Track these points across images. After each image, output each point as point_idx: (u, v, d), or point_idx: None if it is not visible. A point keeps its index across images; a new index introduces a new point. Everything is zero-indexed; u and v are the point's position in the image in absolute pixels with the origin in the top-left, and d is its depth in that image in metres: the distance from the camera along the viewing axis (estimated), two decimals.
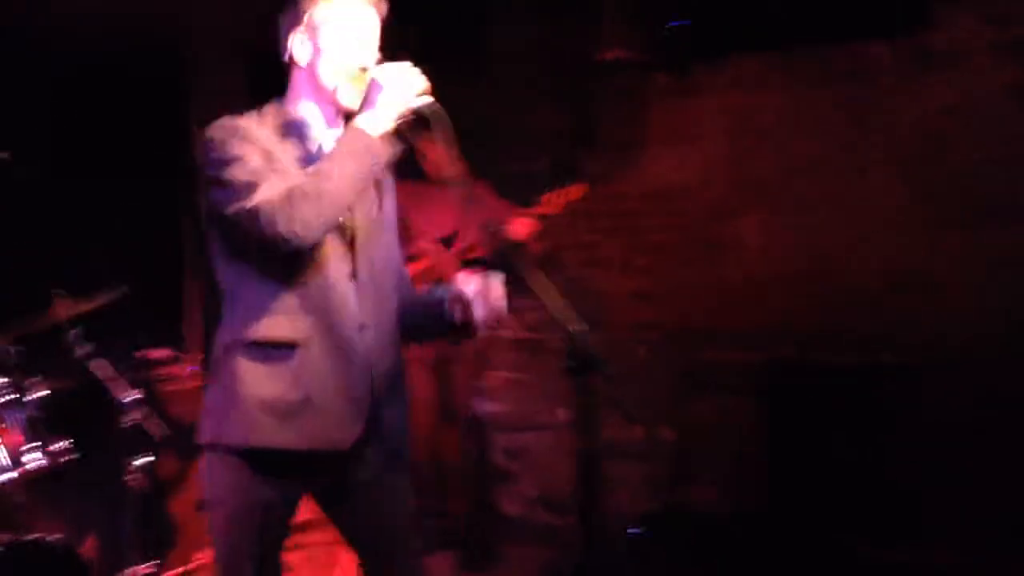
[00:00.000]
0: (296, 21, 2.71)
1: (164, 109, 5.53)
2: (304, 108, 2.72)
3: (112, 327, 4.28)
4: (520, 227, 4.84)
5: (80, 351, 4.12)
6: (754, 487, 4.81)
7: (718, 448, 4.97)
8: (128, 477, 4.10)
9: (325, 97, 2.71)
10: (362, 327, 2.69)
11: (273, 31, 2.77)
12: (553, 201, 4.89)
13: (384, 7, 2.76)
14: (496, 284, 2.72)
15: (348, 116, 2.69)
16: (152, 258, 5.29)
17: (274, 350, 2.59)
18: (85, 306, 4.16)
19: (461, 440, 5.10)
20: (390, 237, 2.86)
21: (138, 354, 4.85)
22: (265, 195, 2.47)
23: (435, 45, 5.18)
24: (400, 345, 2.83)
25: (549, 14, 5.42)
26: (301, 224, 2.46)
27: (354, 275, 2.70)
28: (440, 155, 4.74)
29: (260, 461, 2.59)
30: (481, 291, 2.71)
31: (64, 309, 4.09)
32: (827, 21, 4.69)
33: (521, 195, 5.01)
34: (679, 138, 5.26)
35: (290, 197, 2.46)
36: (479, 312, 2.71)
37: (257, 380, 2.57)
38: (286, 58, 2.74)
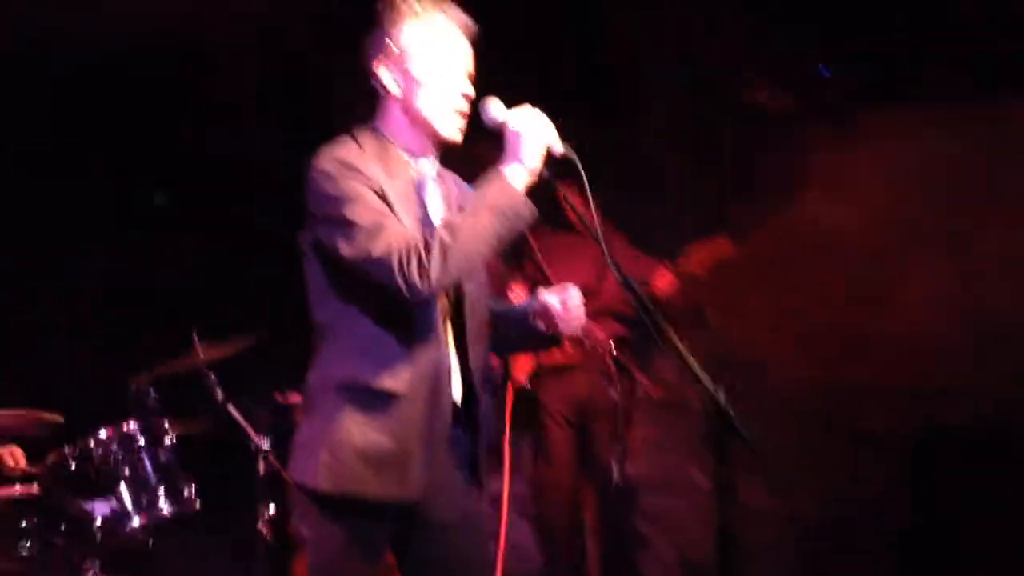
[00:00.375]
0: (382, 47, 2.58)
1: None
2: (401, 140, 2.61)
3: (252, 371, 4.29)
4: (663, 282, 4.70)
5: (218, 395, 4.13)
6: (910, 561, 4.54)
7: (871, 517, 4.70)
8: (260, 525, 4.06)
9: (422, 129, 2.59)
10: (463, 374, 2.61)
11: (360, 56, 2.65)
12: (698, 256, 4.71)
13: (473, 29, 2.62)
14: (574, 294, 2.67)
15: (443, 144, 2.61)
16: (292, 302, 5.29)
17: (375, 398, 2.49)
18: (224, 350, 4.16)
19: (600, 501, 4.93)
20: (483, 273, 2.74)
21: (279, 398, 4.83)
22: (391, 242, 2.37)
23: (581, 85, 5.14)
24: (490, 379, 2.74)
25: (700, 56, 5.25)
26: (430, 279, 2.36)
27: (458, 317, 2.61)
28: (581, 203, 4.74)
29: (350, 508, 2.50)
30: (562, 301, 2.66)
31: (203, 353, 4.10)
32: (990, 72, 4.53)
33: (666, 245, 4.87)
34: (835, 187, 5.02)
35: (423, 249, 2.36)
36: (562, 321, 2.66)
37: (354, 427, 2.48)
38: (375, 88, 2.62)
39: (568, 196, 4.58)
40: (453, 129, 2.57)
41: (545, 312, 2.67)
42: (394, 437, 2.48)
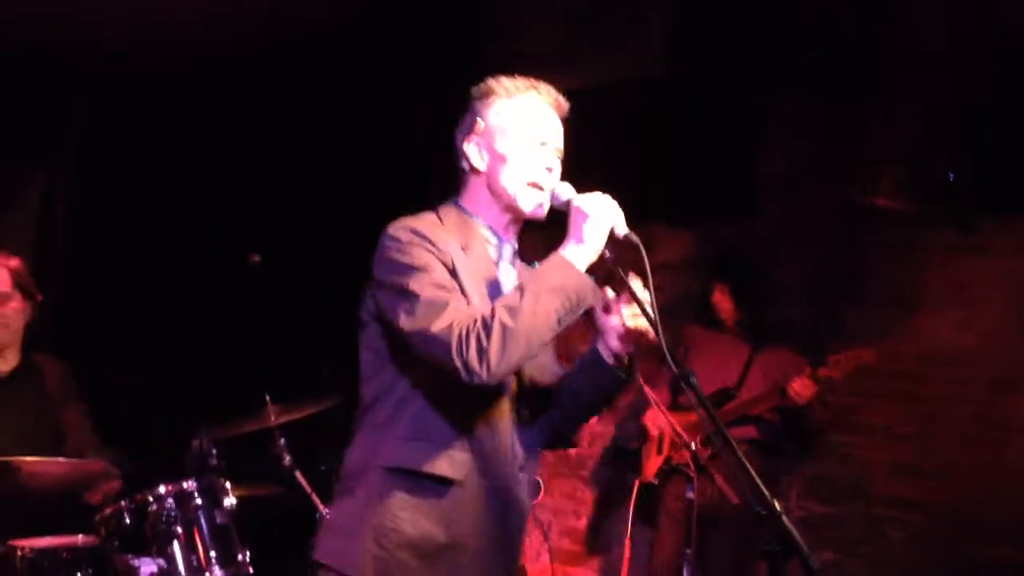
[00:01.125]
0: (471, 126, 2.55)
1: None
2: (482, 216, 2.55)
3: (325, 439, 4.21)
4: (800, 386, 4.52)
5: (286, 459, 4.06)
6: None
7: None
8: None
9: (504, 205, 2.52)
10: (521, 468, 2.47)
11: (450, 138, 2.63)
12: (842, 364, 4.53)
13: (565, 107, 2.58)
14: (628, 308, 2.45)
15: (523, 226, 2.56)
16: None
17: (429, 484, 2.36)
18: (295, 414, 4.09)
19: None
20: (547, 352, 2.62)
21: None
22: (452, 321, 2.26)
23: (695, 179, 4.98)
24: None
25: (820, 154, 5.03)
26: (489, 365, 2.24)
27: (516, 402, 2.48)
28: (728, 302, 4.58)
29: None
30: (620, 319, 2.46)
31: (274, 415, 4.04)
32: None
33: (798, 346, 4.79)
34: (959, 299, 4.78)
35: (483, 331, 2.24)
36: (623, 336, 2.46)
37: (402, 513, 2.35)
38: (463, 165, 2.57)
39: (719, 296, 4.65)
40: (532, 204, 2.49)
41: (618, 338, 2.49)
42: (447, 528, 2.36)
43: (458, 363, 2.23)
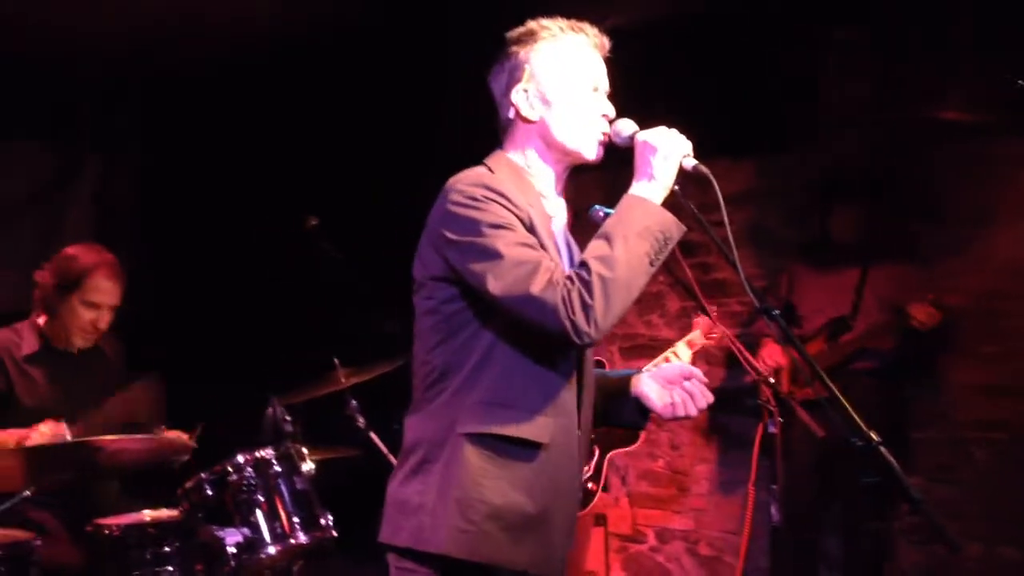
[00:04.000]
0: (516, 73, 2.42)
1: None
2: (535, 168, 2.44)
3: (398, 398, 4.19)
4: (928, 317, 4.45)
5: (360, 421, 4.04)
6: None
7: None
8: None
9: (560, 153, 2.43)
10: (581, 427, 2.39)
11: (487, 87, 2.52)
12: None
13: (607, 45, 2.46)
14: (696, 375, 2.41)
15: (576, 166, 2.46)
16: None
17: (515, 449, 2.26)
18: (365, 375, 4.07)
19: None
20: None
21: None
22: (549, 279, 2.16)
23: (762, 106, 4.85)
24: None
25: (885, 70, 4.85)
26: (597, 320, 2.15)
27: (578, 364, 2.39)
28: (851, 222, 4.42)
29: None
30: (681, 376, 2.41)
31: (345, 378, 4.02)
32: None
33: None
34: None
35: (583, 287, 2.15)
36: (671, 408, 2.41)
37: (487, 482, 2.23)
38: (510, 115, 2.44)
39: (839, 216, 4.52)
40: (591, 149, 2.40)
41: (658, 390, 2.44)
42: (532, 498, 2.26)
43: (566, 324, 2.14)
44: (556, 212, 2.44)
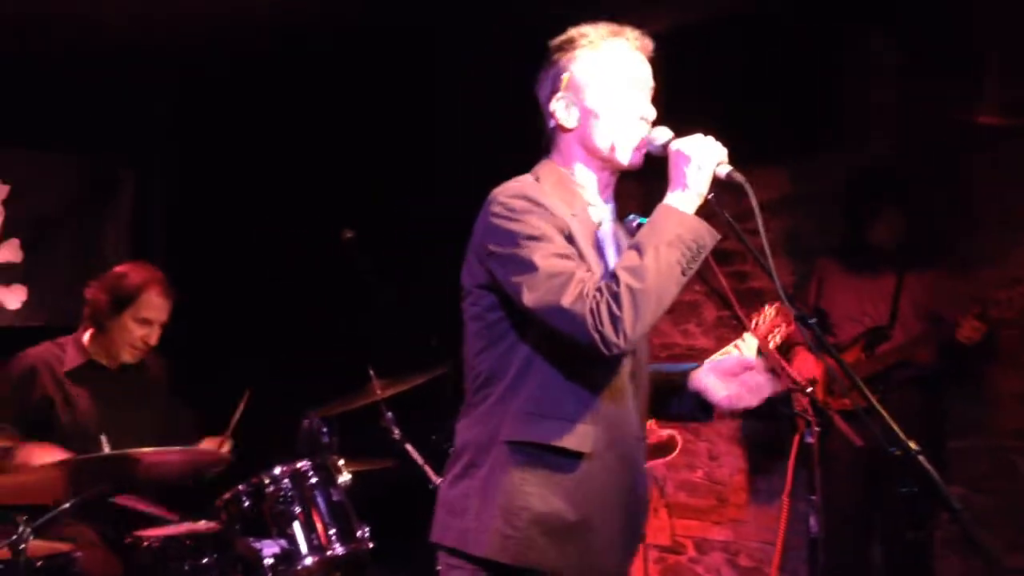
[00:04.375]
0: (556, 82, 2.45)
1: None
2: (580, 175, 2.46)
3: (433, 409, 4.19)
4: (974, 332, 4.33)
5: (395, 433, 4.05)
6: None
7: None
8: (440, 567, 3.92)
9: (600, 161, 2.44)
10: (639, 439, 2.41)
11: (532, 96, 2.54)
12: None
13: (651, 47, 2.46)
14: (756, 365, 2.42)
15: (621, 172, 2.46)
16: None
17: (555, 458, 2.29)
18: (401, 387, 4.08)
19: None
20: None
21: None
22: (582, 291, 2.18)
23: (795, 111, 4.82)
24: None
25: (921, 71, 4.79)
26: (626, 332, 2.16)
27: (634, 375, 2.40)
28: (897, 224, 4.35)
29: None
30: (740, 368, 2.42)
31: (380, 390, 4.03)
32: None
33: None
34: None
35: (611, 298, 2.16)
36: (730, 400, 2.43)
37: (530, 489, 2.27)
38: (552, 124, 2.47)
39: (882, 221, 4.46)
40: (626, 154, 2.40)
41: (716, 383, 2.46)
42: (575, 506, 2.28)
43: (595, 336, 2.15)
44: (604, 217, 2.45)
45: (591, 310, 2.15)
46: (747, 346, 3.63)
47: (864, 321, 4.61)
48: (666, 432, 4.36)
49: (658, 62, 2.48)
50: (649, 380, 2.51)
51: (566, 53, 2.44)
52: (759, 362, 2.42)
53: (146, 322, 3.94)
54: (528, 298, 2.21)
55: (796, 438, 4.58)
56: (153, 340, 3.98)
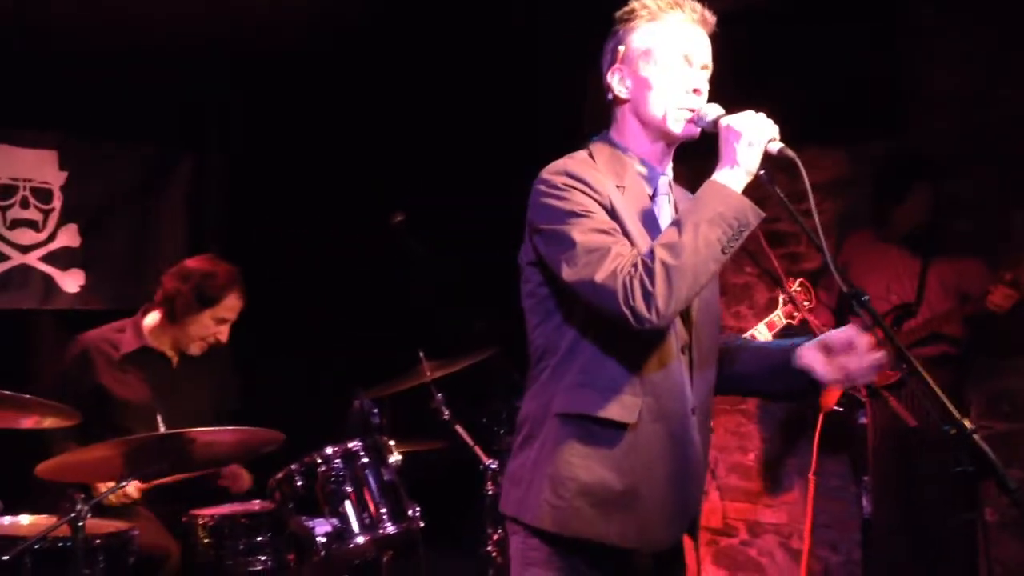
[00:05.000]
0: (614, 55, 2.46)
1: None
2: (634, 148, 2.45)
3: (484, 390, 4.21)
4: (1004, 299, 4.24)
5: (445, 414, 4.07)
6: None
7: None
8: (489, 547, 3.96)
9: (653, 132, 2.43)
10: (694, 410, 2.39)
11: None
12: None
13: (712, 21, 2.44)
14: (864, 342, 2.33)
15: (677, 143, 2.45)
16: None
17: (601, 429, 2.31)
18: (451, 368, 4.10)
19: None
20: (712, 291, 2.50)
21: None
22: (615, 268, 2.20)
23: (852, 92, 4.76)
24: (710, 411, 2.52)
25: (983, 60, 4.70)
26: (658, 308, 2.17)
27: (688, 348, 2.39)
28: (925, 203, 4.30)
29: (570, 549, 2.32)
30: (847, 343, 2.34)
31: (430, 371, 4.05)
32: None
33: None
34: None
35: (646, 274, 2.17)
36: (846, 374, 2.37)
37: (576, 460, 2.30)
38: (609, 97, 2.48)
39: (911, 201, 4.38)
40: (678, 124, 2.39)
41: (824, 360, 2.37)
42: (621, 476, 2.30)
43: (626, 311, 2.17)
44: (659, 189, 2.45)
45: (624, 284, 2.17)
46: (761, 335, 3.60)
47: (891, 299, 4.54)
48: None
49: (719, 39, 2.46)
50: (732, 355, 2.52)
51: (626, 25, 2.44)
52: (868, 338, 2.35)
53: (223, 321, 4.01)
54: (567, 273, 2.25)
55: (820, 416, 4.55)
56: (224, 337, 4.03)
